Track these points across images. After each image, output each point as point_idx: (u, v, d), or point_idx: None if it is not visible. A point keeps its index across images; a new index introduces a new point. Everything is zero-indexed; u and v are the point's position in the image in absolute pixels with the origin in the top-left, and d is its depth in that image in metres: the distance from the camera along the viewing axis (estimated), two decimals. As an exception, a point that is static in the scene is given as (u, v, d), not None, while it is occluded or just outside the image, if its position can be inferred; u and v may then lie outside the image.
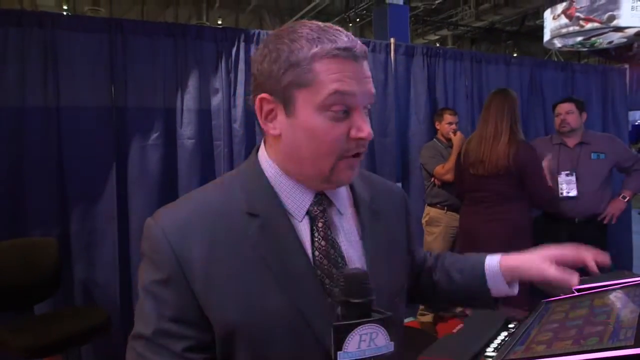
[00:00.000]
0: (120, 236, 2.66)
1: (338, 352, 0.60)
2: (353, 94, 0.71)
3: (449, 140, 3.27)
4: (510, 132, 2.38)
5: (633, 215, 4.22)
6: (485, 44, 16.27)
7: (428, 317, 3.18)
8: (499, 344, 1.44)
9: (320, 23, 0.75)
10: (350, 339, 0.59)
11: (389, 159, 3.39)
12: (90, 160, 2.61)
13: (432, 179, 3.23)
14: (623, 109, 4.34)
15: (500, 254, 0.91)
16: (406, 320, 3.43)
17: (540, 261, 0.81)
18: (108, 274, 2.64)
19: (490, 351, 1.40)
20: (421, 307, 3.26)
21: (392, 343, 0.62)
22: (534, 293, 1.78)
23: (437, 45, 13.22)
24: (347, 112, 0.72)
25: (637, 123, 13.34)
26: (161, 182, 2.74)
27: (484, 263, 0.97)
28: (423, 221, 3.31)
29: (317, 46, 0.70)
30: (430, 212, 3.25)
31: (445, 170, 3.04)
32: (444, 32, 14.64)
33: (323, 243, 0.77)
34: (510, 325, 1.56)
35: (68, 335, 2.23)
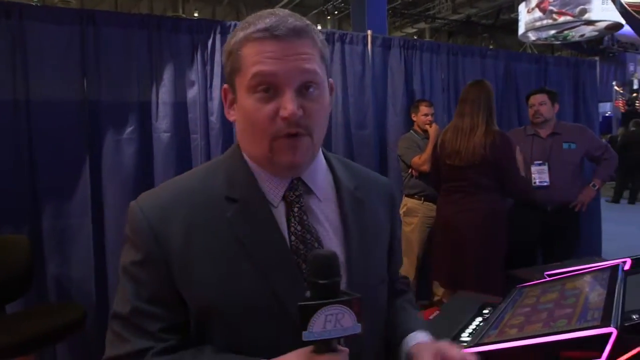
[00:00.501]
0: (95, 231, 2.61)
1: (303, 332, 0.60)
2: (273, 73, 0.71)
3: (426, 131, 3.31)
4: (486, 123, 2.41)
5: (602, 203, 4.34)
6: (462, 37, 16.43)
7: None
8: (473, 329, 1.47)
9: (268, 10, 0.76)
10: (315, 319, 0.60)
11: (366, 151, 3.41)
12: (63, 155, 2.55)
13: (409, 170, 3.26)
14: (593, 100, 4.45)
15: (421, 337, 0.88)
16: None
17: (426, 352, 0.80)
18: (83, 270, 2.60)
19: (465, 336, 1.43)
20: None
21: (359, 325, 0.62)
22: (509, 279, 1.83)
23: (415, 38, 13.29)
24: (273, 92, 0.72)
25: (607, 114, 13.69)
26: (136, 177, 2.70)
27: (407, 337, 0.91)
28: (400, 212, 3.34)
29: (244, 32, 0.73)
30: (408, 202, 3.29)
31: (422, 161, 3.07)
32: (422, 25, 14.73)
33: (299, 228, 0.78)
34: (485, 311, 1.60)
35: (41, 333, 2.18)
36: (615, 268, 1.47)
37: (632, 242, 5.39)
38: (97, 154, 2.64)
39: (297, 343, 0.63)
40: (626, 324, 1.06)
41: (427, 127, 3.30)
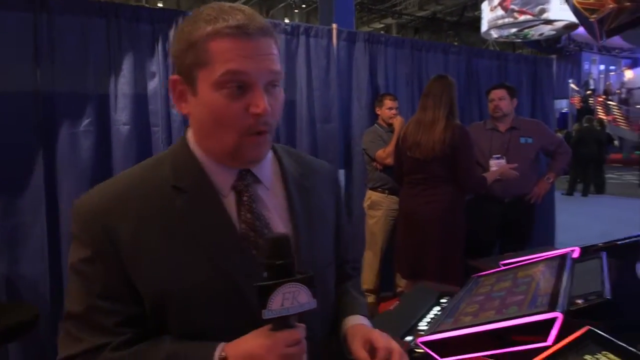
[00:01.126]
0: (49, 228, 2.51)
1: (263, 311, 0.64)
2: (246, 72, 0.72)
3: (390, 125, 3.35)
4: (447, 117, 2.46)
5: (557, 196, 4.52)
6: (428, 34, 16.71)
7: (371, 298, 3.27)
8: (432, 318, 1.51)
9: (226, 4, 0.76)
10: (273, 297, 0.64)
11: (332, 145, 3.42)
12: (14, 149, 2.43)
13: (374, 163, 3.29)
14: (549, 97, 4.61)
15: (358, 320, 0.93)
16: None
17: (357, 338, 0.85)
18: (37, 268, 2.49)
19: (423, 325, 1.47)
20: (363, 289, 3.35)
21: (315, 300, 0.67)
22: (468, 269, 1.88)
23: (382, 33, 13.39)
24: (243, 89, 0.73)
25: (563, 111, 14.21)
26: (94, 171, 2.61)
27: (346, 319, 0.95)
28: (365, 205, 3.38)
29: (211, 26, 0.72)
30: (372, 196, 3.33)
31: (386, 154, 3.11)
32: (389, 20, 14.88)
33: (249, 216, 0.81)
34: (443, 300, 1.64)
35: (-9, 334, 2.09)
36: (564, 257, 1.54)
37: (584, 232, 5.63)
38: (51, 148, 2.53)
39: (253, 325, 0.68)
40: (571, 309, 1.11)
41: (392, 120, 3.34)
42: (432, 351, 1.21)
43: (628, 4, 1.26)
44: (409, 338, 1.34)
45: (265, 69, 0.74)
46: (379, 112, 3.45)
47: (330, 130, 3.43)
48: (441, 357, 1.20)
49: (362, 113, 3.63)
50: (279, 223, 0.84)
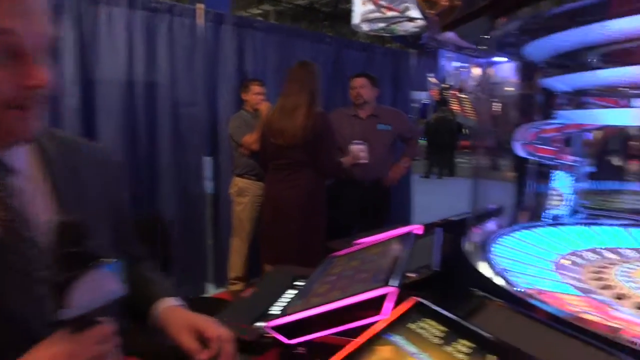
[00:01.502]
0: None
1: (60, 311, 0.54)
2: (12, 32, 0.59)
3: (257, 110, 3.31)
4: (309, 104, 2.49)
5: (416, 179, 4.93)
6: (305, 23, 16.93)
7: (239, 286, 3.23)
8: (286, 301, 1.51)
9: None
10: (74, 291, 0.54)
11: (197, 130, 3.28)
12: None
13: (240, 149, 3.23)
14: (408, 88, 4.99)
15: (171, 302, 0.91)
16: (217, 291, 3.43)
17: (183, 328, 0.83)
18: None
19: (275, 309, 1.46)
20: (232, 277, 3.29)
21: (123, 286, 0.58)
22: (327, 251, 1.93)
23: (260, 19, 13.23)
24: (9, 54, 0.61)
25: (424, 102, 15.54)
26: None
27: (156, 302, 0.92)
28: (231, 191, 3.31)
29: None
30: (239, 182, 3.27)
31: (252, 139, 3.06)
32: (267, 7, 14.75)
33: (3, 214, 0.67)
34: (298, 283, 1.66)
35: None
36: (408, 234, 1.66)
37: (439, 211, 6.23)
38: None
39: (32, 341, 0.57)
40: (405, 282, 1.19)
41: (259, 106, 3.30)
42: (281, 334, 1.21)
43: (458, 2, 1.38)
44: (260, 324, 1.33)
45: (38, 32, 0.62)
46: (245, 98, 3.39)
47: (195, 114, 3.28)
48: (289, 339, 1.20)
49: (229, 98, 3.54)
50: (44, 213, 0.72)
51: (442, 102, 14.32)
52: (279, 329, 1.22)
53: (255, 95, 3.34)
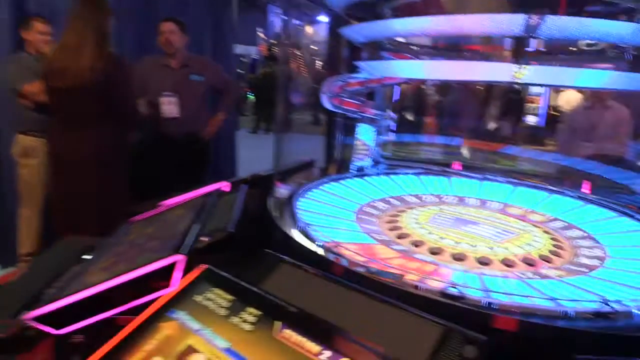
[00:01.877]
0: None
1: None
2: None
3: (42, 54, 2.74)
4: (95, 43, 2.13)
5: (244, 134, 4.82)
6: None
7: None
8: (65, 278, 1.27)
9: None
10: None
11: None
12: None
13: (22, 101, 2.66)
14: (230, 40, 4.74)
15: None
16: (4, 272, 2.91)
17: None
18: None
19: (53, 291, 1.21)
20: (22, 253, 2.79)
21: None
22: (132, 215, 1.69)
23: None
24: None
25: (253, 57, 15.44)
26: None
27: None
28: (14, 152, 2.74)
29: None
30: (24, 141, 2.71)
31: (36, 88, 2.52)
32: None
33: None
34: (85, 256, 1.42)
35: None
36: (211, 194, 1.54)
37: (265, 165, 6.30)
38: None
39: None
40: (197, 247, 1.08)
41: (45, 49, 2.73)
42: (46, 325, 1.00)
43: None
44: (27, 315, 1.08)
45: None
46: (27, 37, 2.77)
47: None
48: (58, 328, 1.00)
49: (3, 37, 2.87)
50: None
51: (271, 58, 14.31)
52: (42, 319, 1.00)
53: (39, 34, 2.75)
